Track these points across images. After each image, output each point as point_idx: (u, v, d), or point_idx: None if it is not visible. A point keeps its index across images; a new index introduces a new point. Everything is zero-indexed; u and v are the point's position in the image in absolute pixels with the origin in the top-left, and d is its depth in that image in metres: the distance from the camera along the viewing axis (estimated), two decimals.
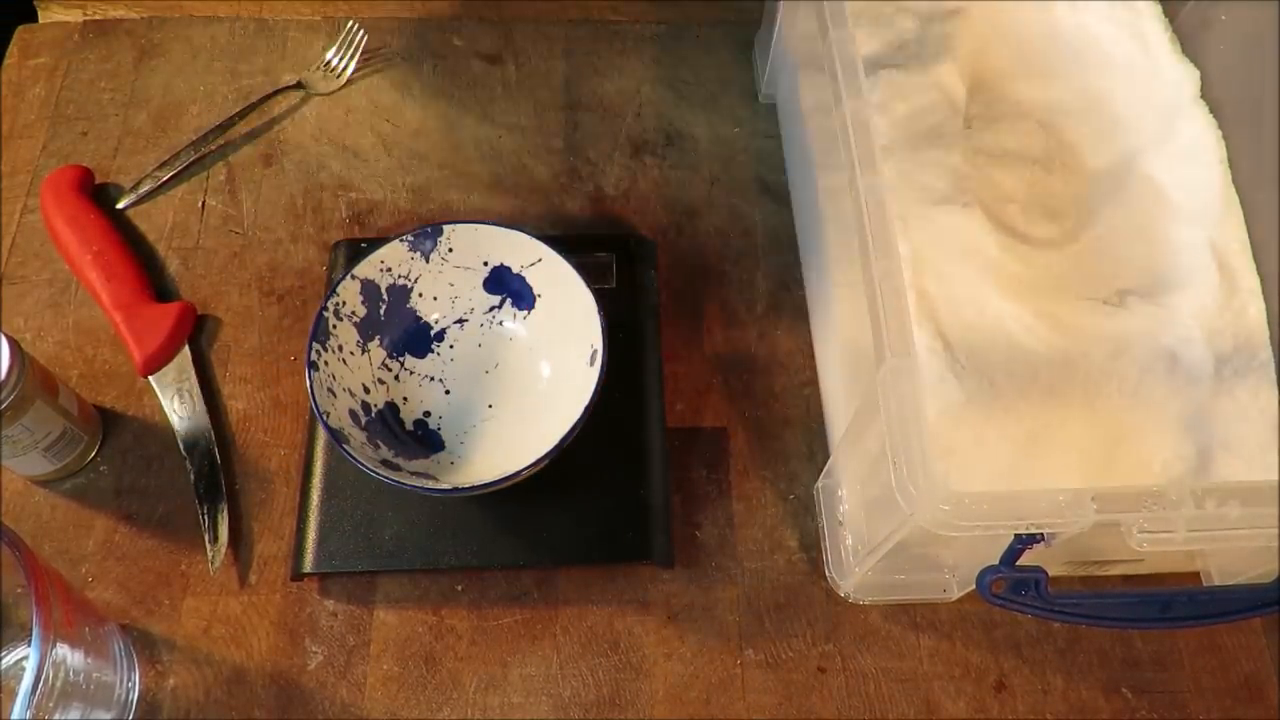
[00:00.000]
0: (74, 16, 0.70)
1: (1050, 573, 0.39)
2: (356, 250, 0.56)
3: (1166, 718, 0.50)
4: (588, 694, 0.50)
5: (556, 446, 0.47)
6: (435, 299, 0.54)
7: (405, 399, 0.53)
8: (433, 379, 0.54)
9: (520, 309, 0.55)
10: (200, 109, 0.67)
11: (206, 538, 0.53)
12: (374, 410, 0.52)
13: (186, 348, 0.58)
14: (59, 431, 0.51)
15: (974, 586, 0.40)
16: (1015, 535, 0.39)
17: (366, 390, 0.52)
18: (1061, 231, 0.56)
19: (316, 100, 0.68)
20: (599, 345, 0.50)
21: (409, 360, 0.54)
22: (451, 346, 0.55)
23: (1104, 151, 0.58)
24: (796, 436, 0.57)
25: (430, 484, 0.48)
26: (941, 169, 0.55)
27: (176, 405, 0.56)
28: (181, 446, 0.55)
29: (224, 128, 0.65)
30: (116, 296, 0.58)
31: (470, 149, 0.66)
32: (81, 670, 0.44)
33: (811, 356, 0.59)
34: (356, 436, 0.49)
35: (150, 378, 0.57)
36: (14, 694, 0.38)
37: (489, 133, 0.67)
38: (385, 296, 0.53)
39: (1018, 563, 0.39)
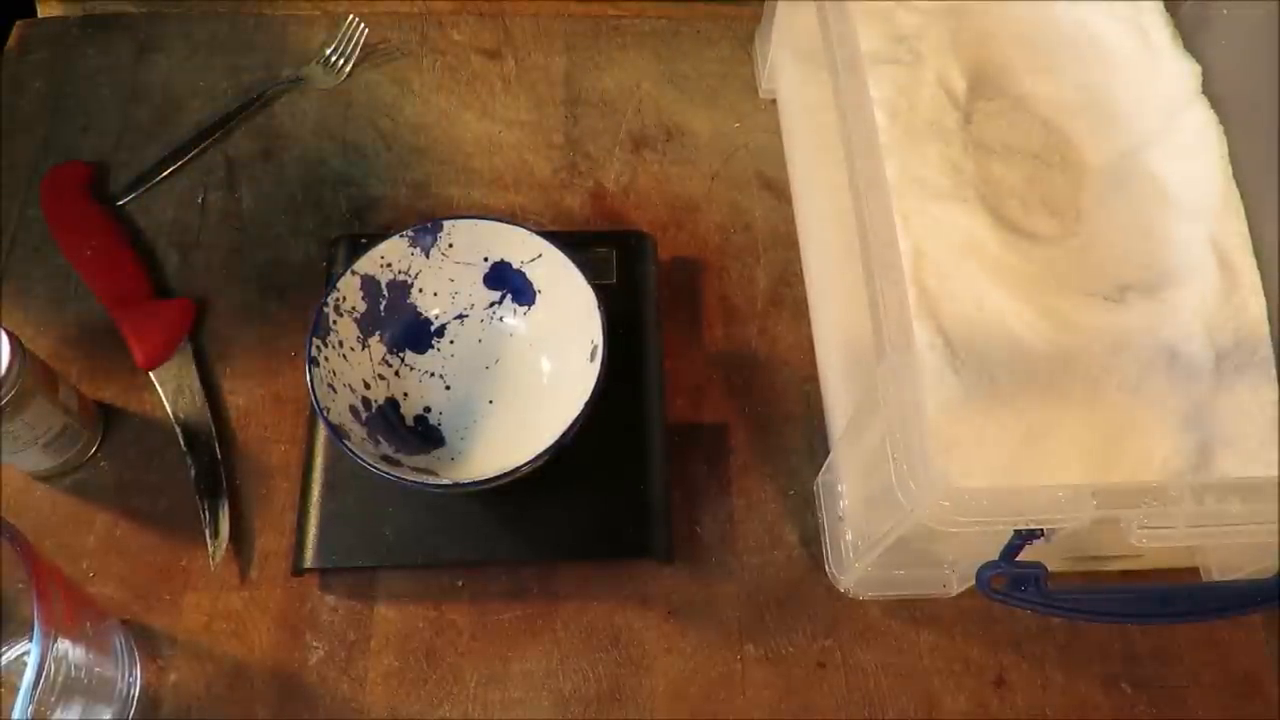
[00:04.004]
0: (73, 11, 0.70)
1: (1050, 568, 0.39)
2: (356, 246, 0.56)
3: (1165, 712, 0.51)
4: (588, 689, 0.50)
5: (557, 442, 0.47)
6: (435, 294, 0.54)
7: (406, 394, 0.53)
8: (433, 375, 0.54)
9: (521, 305, 0.55)
10: (200, 104, 0.67)
11: (207, 533, 0.53)
12: (374, 406, 0.52)
13: (187, 343, 0.58)
14: (59, 427, 0.51)
15: (974, 582, 0.40)
16: (1015, 531, 0.39)
17: (367, 386, 0.52)
18: (1062, 227, 0.56)
19: (316, 95, 0.68)
20: (599, 341, 0.50)
21: (409, 356, 0.54)
22: (452, 342, 0.55)
23: (1104, 146, 0.58)
24: (797, 432, 0.57)
25: (431, 480, 0.48)
26: (942, 164, 0.55)
27: (177, 401, 0.56)
28: (182, 442, 0.55)
29: (224, 123, 0.65)
30: (116, 292, 0.58)
31: (470, 144, 0.66)
32: (83, 666, 0.44)
33: (812, 352, 0.59)
34: (357, 432, 0.49)
35: (150, 373, 0.57)
36: (15, 690, 0.38)
37: (489, 128, 0.67)
38: (385, 292, 0.53)
39: (1017, 558, 0.39)
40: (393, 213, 0.63)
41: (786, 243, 0.63)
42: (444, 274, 0.54)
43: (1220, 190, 0.55)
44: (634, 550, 0.52)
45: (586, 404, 0.47)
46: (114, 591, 0.52)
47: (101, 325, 0.58)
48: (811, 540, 0.54)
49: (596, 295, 0.50)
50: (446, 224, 0.53)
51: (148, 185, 0.63)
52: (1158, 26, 0.60)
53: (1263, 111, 0.54)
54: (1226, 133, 0.57)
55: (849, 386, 0.55)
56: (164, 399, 0.56)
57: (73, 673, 0.43)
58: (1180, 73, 0.58)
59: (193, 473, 0.54)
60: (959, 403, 0.48)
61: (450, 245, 0.53)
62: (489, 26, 0.71)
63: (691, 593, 0.53)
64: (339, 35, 0.69)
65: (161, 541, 0.53)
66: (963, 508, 0.37)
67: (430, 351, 0.55)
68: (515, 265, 0.54)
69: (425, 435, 0.52)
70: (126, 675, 0.48)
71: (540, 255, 0.53)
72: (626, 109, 0.68)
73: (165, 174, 0.64)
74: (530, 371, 0.54)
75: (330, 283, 0.51)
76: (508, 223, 0.53)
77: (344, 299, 0.51)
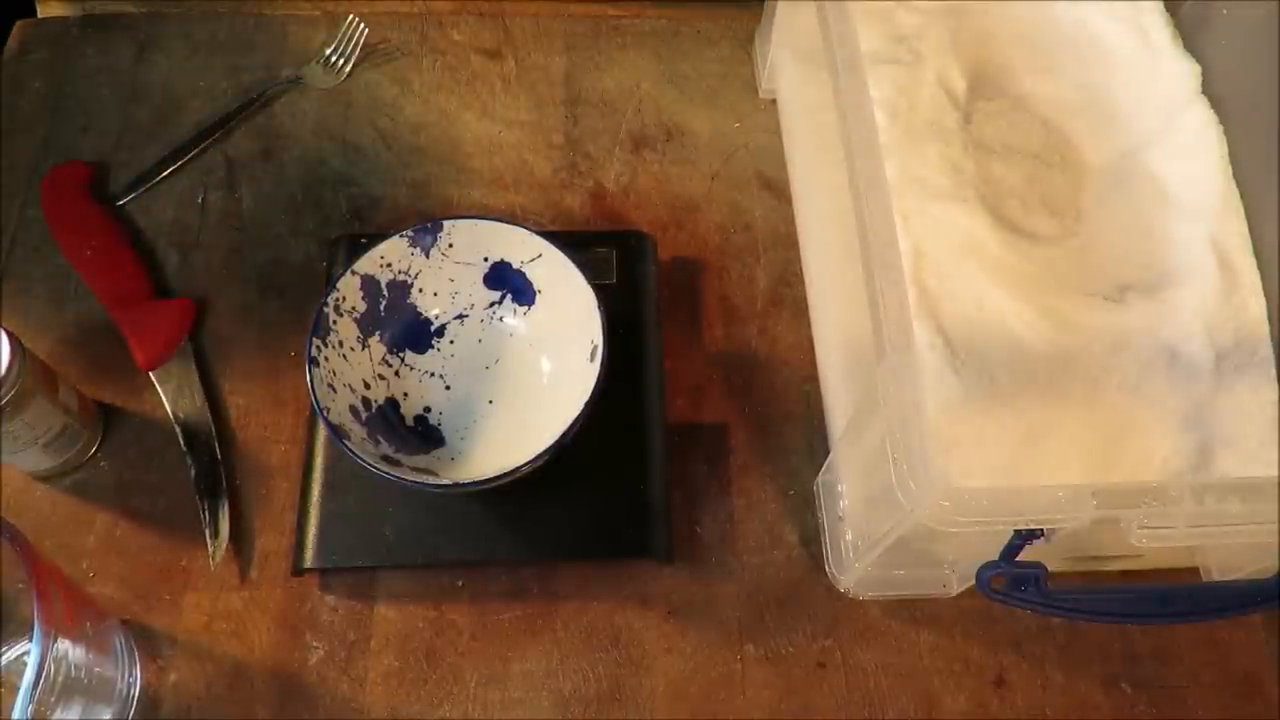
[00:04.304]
0: (73, 11, 0.70)
1: (1050, 568, 0.39)
2: (356, 246, 0.56)
3: (1165, 712, 0.51)
4: (588, 689, 0.50)
5: (557, 442, 0.47)
6: (435, 294, 0.54)
7: (406, 395, 0.53)
8: (433, 375, 0.54)
9: (521, 305, 0.55)
10: (200, 104, 0.67)
11: (207, 533, 0.53)
12: (374, 406, 0.52)
13: (187, 343, 0.58)
14: (59, 427, 0.51)
15: (974, 582, 0.40)
16: (1015, 531, 0.39)
17: (367, 386, 0.52)
18: (1062, 227, 0.56)
19: (316, 95, 0.68)
20: (599, 341, 0.50)
21: (409, 356, 0.54)
22: (452, 342, 0.55)
23: (1104, 146, 0.58)
24: (797, 432, 0.57)
25: (430, 480, 0.48)
26: (942, 164, 0.55)
27: (177, 401, 0.56)
28: (182, 442, 0.55)
29: (224, 123, 0.65)
30: (116, 292, 0.58)
31: (470, 144, 0.66)
32: (83, 666, 0.44)
33: (812, 352, 0.59)
34: (357, 432, 0.49)
35: (150, 373, 0.57)
36: (15, 690, 0.38)
37: (489, 128, 0.67)
38: (385, 292, 0.53)
39: (1017, 558, 0.39)
40: (393, 213, 0.63)
41: (786, 243, 0.63)
42: (444, 274, 0.54)
43: (1220, 190, 0.55)
44: (634, 550, 0.52)
45: (586, 404, 0.47)
46: (114, 591, 0.52)
47: (101, 325, 0.58)
48: (811, 540, 0.54)
49: (596, 295, 0.50)
50: (446, 224, 0.53)
51: (148, 185, 0.63)
52: (1158, 26, 0.60)
53: (1263, 111, 0.54)
54: (1226, 133, 0.57)
55: (849, 386, 0.55)
56: (164, 399, 0.56)
57: (73, 673, 0.43)
58: (1180, 73, 0.58)
59: (193, 473, 0.54)
60: (959, 403, 0.48)
61: (450, 245, 0.53)
62: (489, 26, 0.71)
63: (691, 593, 0.53)
64: (339, 35, 0.69)
65: (161, 541, 0.53)
66: (963, 508, 0.37)
67: (430, 351, 0.55)
68: (515, 265, 0.54)
69: (425, 435, 0.52)
70: (126, 675, 0.48)
71: (540, 255, 0.53)
72: (626, 109, 0.68)
73: (165, 174, 0.64)
74: (530, 371, 0.54)
75: (330, 283, 0.51)
76: (508, 223, 0.53)
77: (344, 299, 0.51)
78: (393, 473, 0.47)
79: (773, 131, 0.67)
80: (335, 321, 0.50)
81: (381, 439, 0.50)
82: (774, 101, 0.68)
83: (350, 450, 0.46)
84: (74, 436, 0.53)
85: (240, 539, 0.53)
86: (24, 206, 0.62)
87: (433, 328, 0.55)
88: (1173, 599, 0.41)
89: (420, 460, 0.51)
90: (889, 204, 0.42)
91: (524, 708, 0.50)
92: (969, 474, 0.47)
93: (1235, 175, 0.56)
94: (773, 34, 0.65)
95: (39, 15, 0.70)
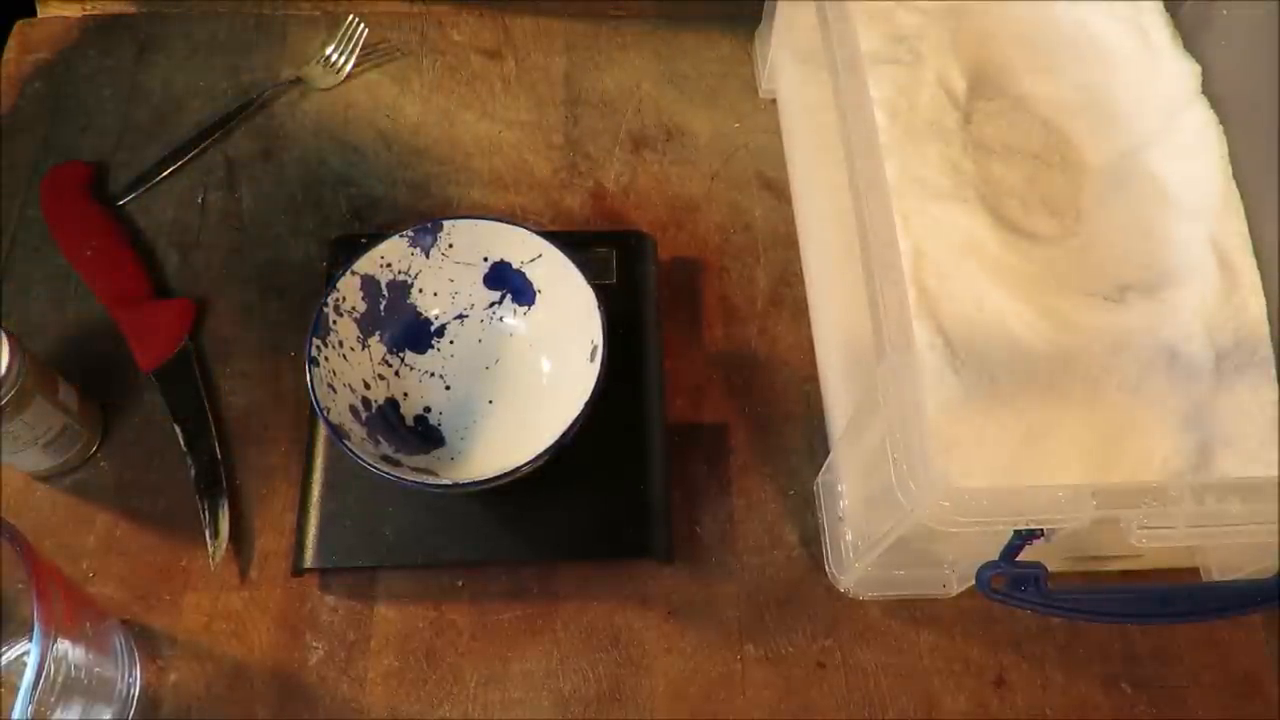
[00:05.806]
0: (73, 11, 0.70)
1: (1050, 568, 0.39)
2: (356, 246, 0.55)
3: (1165, 712, 0.51)
4: (588, 689, 0.50)
5: (557, 442, 0.47)
6: (435, 295, 0.54)
7: (406, 395, 0.53)
8: (433, 375, 0.54)
9: (521, 305, 0.55)
10: (200, 104, 0.67)
11: (207, 533, 0.53)
12: (374, 406, 0.52)
13: (187, 343, 0.58)
14: (59, 427, 0.51)
15: (974, 582, 0.40)
16: (1015, 531, 0.39)
17: (367, 386, 0.52)
18: (1062, 227, 0.56)
19: (316, 95, 0.68)
20: (599, 341, 0.50)
21: (409, 356, 0.54)
22: (452, 342, 0.55)
23: (1104, 146, 0.58)
24: (797, 432, 0.57)
25: (430, 480, 0.48)
26: (942, 164, 0.55)
27: (177, 401, 0.56)
28: (182, 442, 0.55)
29: (224, 123, 0.65)
30: (116, 292, 0.58)
31: (470, 144, 0.66)
32: (82, 666, 0.44)
33: (812, 352, 0.59)
34: (357, 432, 0.49)
35: (150, 373, 0.57)
36: (15, 690, 0.38)
37: (489, 128, 0.67)
38: (385, 292, 0.53)
39: (1017, 558, 0.39)
40: (393, 213, 0.63)
41: (786, 243, 0.63)
42: (444, 274, 0.54)
43: (1220, 190, 0.55)
44: (634, 550, 0.52)
45: (586, 404, 0.47)
46: (114, 591, 0.52)
47: (101, 325, 0.58)
48: (811, 540, 0.54)
49: (596, 295, 0.50)
50: (446, 224, 0.53)
51: (148, 185, 0.63)
52: (1158, 26, 0.60)
53: (1263, 111, 0.54)
54: (1226, 133, 0.57)
55: (849, 386, 0.55)
56: (164, 399, 0.56)
57: (73, 673, 0.43)
58: (1180, 73, 0.58)
59: (193, 473, 0.54)
60: (959, 403, 0.48)
61: (450, 245, 0.53)
62: (489, 26, 0.71)
63: (691, 593, 0.53)
64: (339, 35, 0.69)
65: (161, 541, 0.53)
66: (963, 508, 0.37)
67: (430, 351, 0.55)
68: (515, 265, 0.54)
69: (425, 435, 0.52)
70: (126, 675, 0.49)
71: (540, 255, 0.53)
72: (626, 109, 0.68)
73: (165, 174, 0.64)
74: (530, 371, 0.54)
75: (330, 283, 0.51)
76: (508, 223, 0.53)
77: (344, 299, 0.51)
78: (393, 473, 0.47)
79: (773, 131, 0.67)
80: (335, 321, 0.50)
81: (381, 439, 0.50)
82: (774, 101, 0.68)
83: (350, 450, 0.46)
84: (74, 436, 0.53)
85: (240, 539, 0.53)
86: (24, 206, 0.62)
87: (433, 328, 0.55)
88: (1173, 599, 0.41)
89: (420, 460, 0.51)
90: (889, 204, 0.42)
91: (524, 708, 0.50)
92: (969, 474, 0.47)
93: (1235, 175, 0.56)
94: (773, 34, 0.65)
95: (39, 15, 0.70)
